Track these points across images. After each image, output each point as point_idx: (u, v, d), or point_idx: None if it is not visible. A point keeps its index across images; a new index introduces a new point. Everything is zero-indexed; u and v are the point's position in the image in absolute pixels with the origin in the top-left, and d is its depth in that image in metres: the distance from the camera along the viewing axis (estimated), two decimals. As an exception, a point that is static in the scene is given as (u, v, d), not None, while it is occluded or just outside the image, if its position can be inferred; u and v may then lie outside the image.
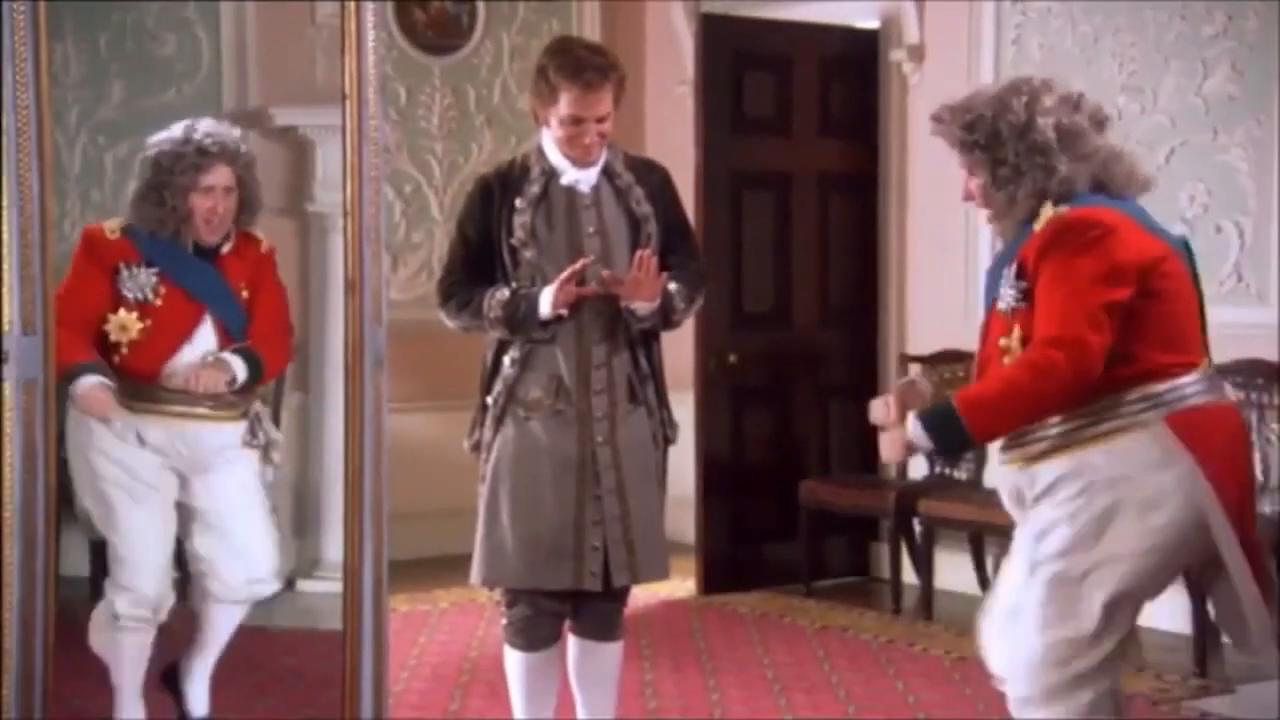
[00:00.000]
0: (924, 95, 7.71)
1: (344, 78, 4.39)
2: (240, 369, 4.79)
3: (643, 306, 4.53)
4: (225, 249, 4.87)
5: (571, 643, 4.73)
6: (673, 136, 8.13)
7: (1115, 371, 3.70)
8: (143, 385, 4.72)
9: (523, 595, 4.61)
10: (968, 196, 3.93)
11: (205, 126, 4.82)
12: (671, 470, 4.81)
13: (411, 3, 8.46)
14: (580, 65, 4.48)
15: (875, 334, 8.07)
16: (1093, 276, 3.67)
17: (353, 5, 4.37)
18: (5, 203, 4.07)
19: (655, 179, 4.70)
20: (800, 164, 7.93)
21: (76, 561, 5.11)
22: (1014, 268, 3.78)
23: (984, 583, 6.84)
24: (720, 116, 7.73)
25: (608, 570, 4.55)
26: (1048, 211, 3.76)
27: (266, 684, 5.42)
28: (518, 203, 4.57)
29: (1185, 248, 3.89)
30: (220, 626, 4.94)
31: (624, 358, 4.61)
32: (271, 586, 4.98)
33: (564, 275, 4.47)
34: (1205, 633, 5.95)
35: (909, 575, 7.29)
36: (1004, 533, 4.22)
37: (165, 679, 4.94)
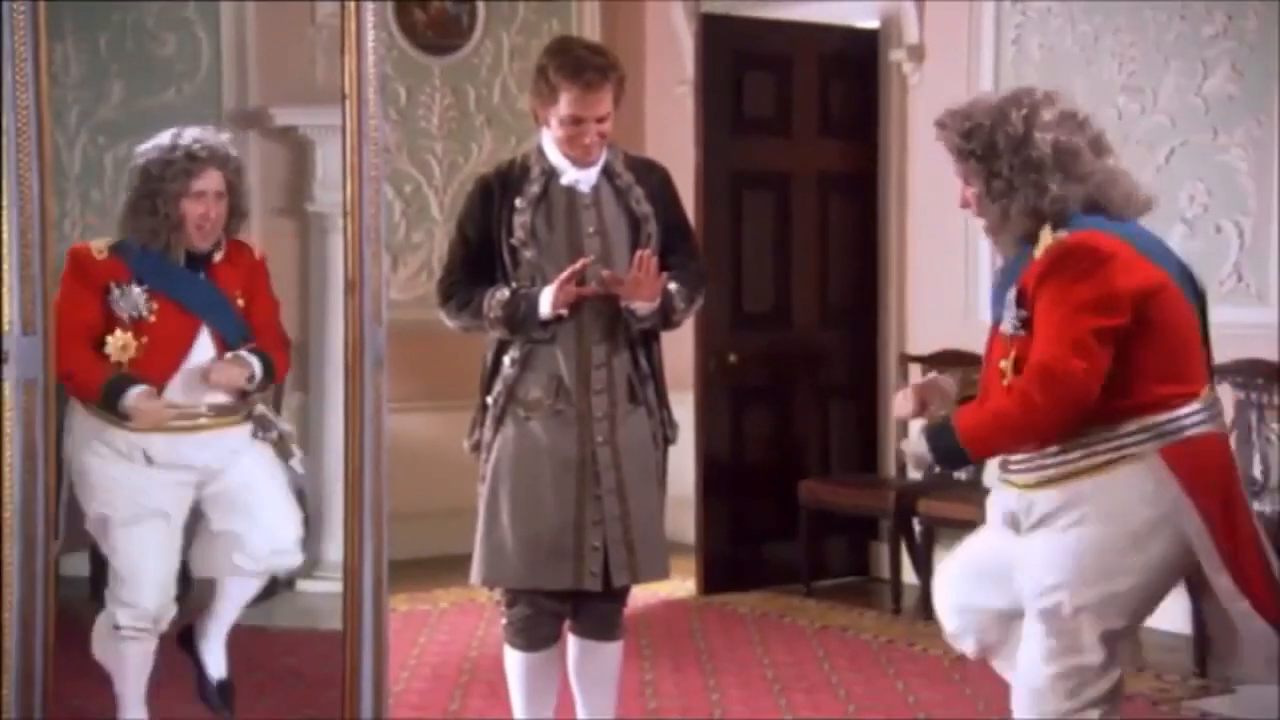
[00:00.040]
0: (924, 95, 7.71)
1: (344, 78, 4.39)
2: (257, 366, 4.80)
3: (643, 306, 4.53)
4: (217, 257, 4.85)
5: (571, 643, 4.73)
6: (673, 136, 8.13)
7: (1114, 403, 3.71)
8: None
9: (523, 595, 4.61)
10: (964, 204, 3.93)
11: (193, 133, 4.81)
12: (671, 470, 4.82)
13: (411, 3, 8.46)
14: (580, 65, 4.48)
15: (875, 334, 8.07)
16: (1086, 304, 3.67)
17: (353, 5, 4.37)
18: (5, 203, 4.07)
19: (655, 179, 4.71)
20: (800, 164, 7.93)
21: (76, 561, 5.10)
22: (1014, 293, 3.79)
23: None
24: (720, 116, 7.73)
25: (608, 570, 4.55)
26: (1047, 237, 3.75)
27: (266, 684, 5.41)
28: (518, 203, 4.57)
29: (1186, 274, 3.88)
30: (239, 596, 4.94)
31: (624, 358, 4.61)
32: (295, 558, 4.98)
33: (564, 275, 4.47)
34: (1205, 633, 5.95)
35: (909, 575, 7.30)
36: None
37: (182, 640, 4.94)
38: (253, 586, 4.95)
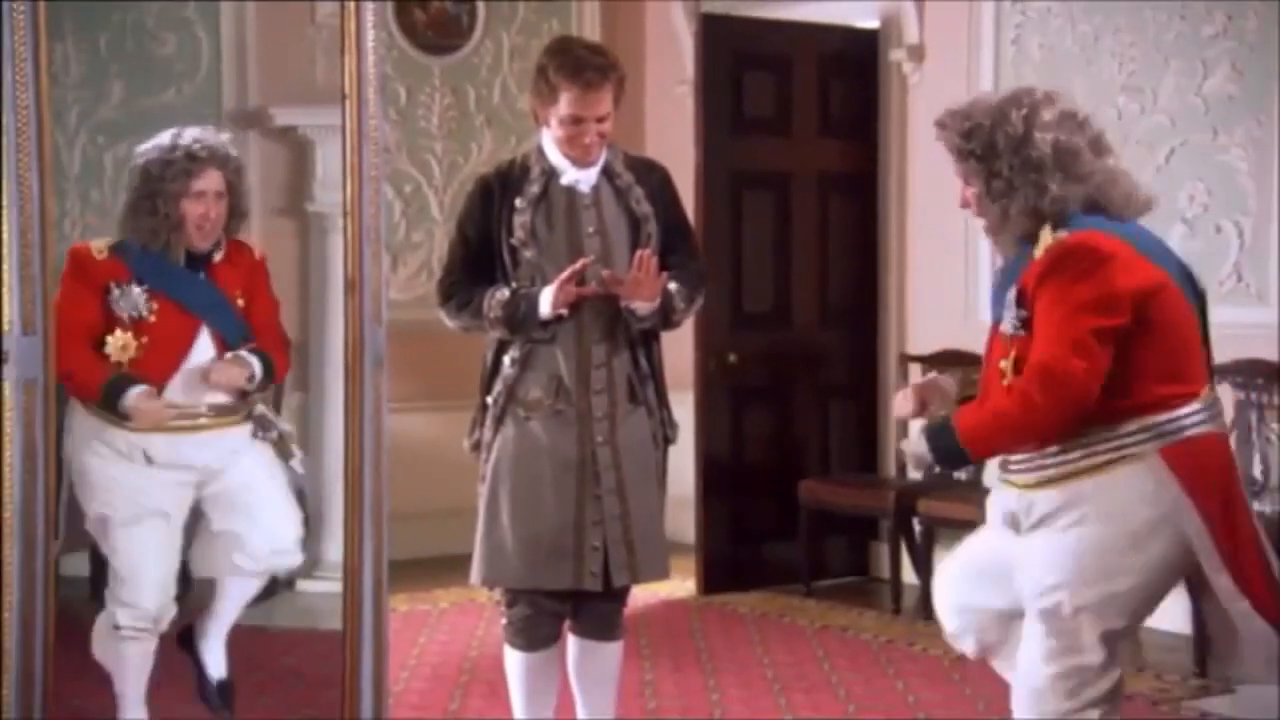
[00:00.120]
0: (924, 95, 7.71)
1: (344, 78, 4.39)
2: (257, 366, 4.80)
3: (643, 306, 4.53)
4: (217, 257, 4.85)
5: (571, 643, 4.73)
6: (673, 136, 8.13)
7: (1114, 403, 3.71)
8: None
9: (523, 595, 4.61)
10: (964, 204, 3.93)
11: (192, 133, 4.81)
12: (671, 470, 4.82)
13: (411, 3, 8.46)
14: (580, 65, 4.48)
15: (875, 334, 8.07)
16: (1085, 304, 3.67)
17: (353, 5, 4.37)
18: (5, 203, 4.07)
19: (655, 179, 4.70)
20: (800, 164, 7.93)
21: (76, 561, 5.10)
22: (1014, 293, 3.79)
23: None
24: (720, 116, 7.73)
25: (608, 570, 4.55)
26: (1046, 237, 3.75)
27: (266, 684, 5.41)
28: (518, 202, 4.57)
29: (1186, 274, 3.88)
30: (238, 596, 4.94)
31: (624, 358, 4.61)
32: (295, 558, 4.98)
33: (564, 275, 4.47)
34: (1205, 633, 5.95)
35: (909, 575, 7.30)
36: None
37: (182, 640, 4.94)
38: (253, 586, 4.96)
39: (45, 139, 4.13)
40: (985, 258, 7.22)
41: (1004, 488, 3.93)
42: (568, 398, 4.56)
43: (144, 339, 4.71)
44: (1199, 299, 3.89)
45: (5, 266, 4.07)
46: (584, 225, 4.59)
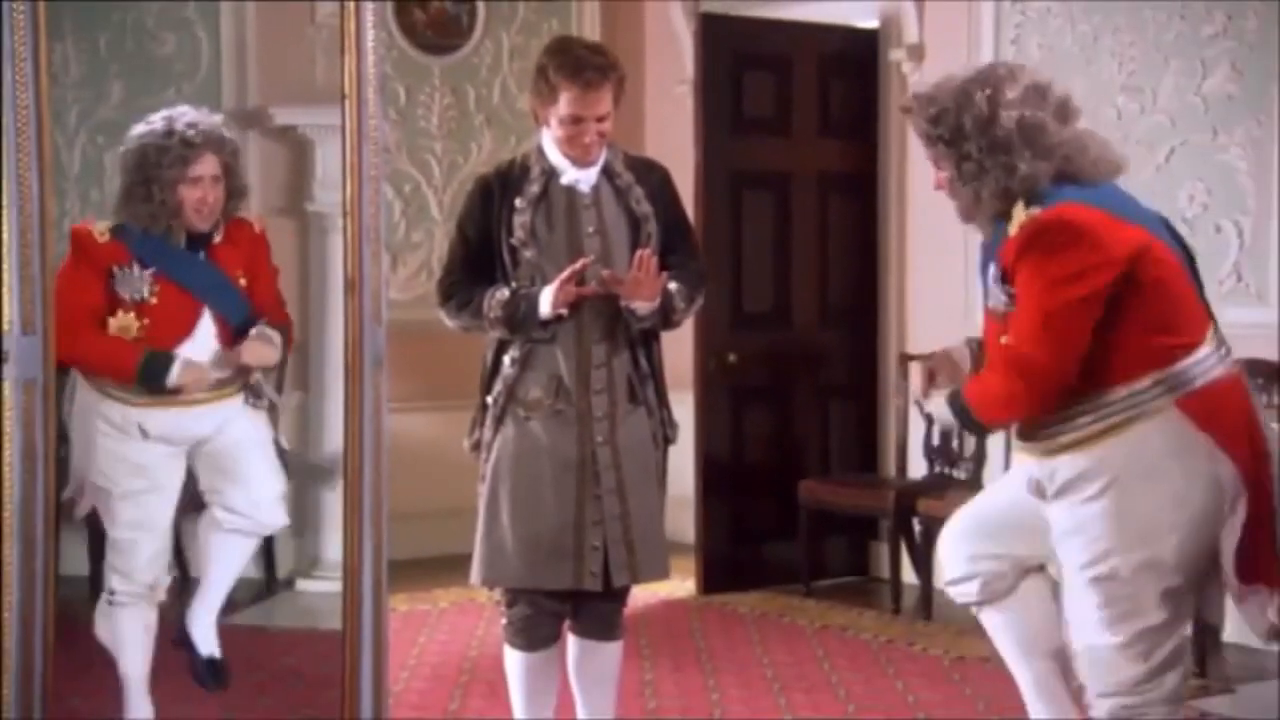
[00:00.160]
0: (924, 95, 7.71)
1: (344, 77, 4.39)
2: (279, 341, 4.83)
3: (643, 306, 4.53)
4: (217, 238, 4.86)
5: (571, 642, 4.73)
6: (672, 136, 8.13)
7: (1121, 364, 3.72)
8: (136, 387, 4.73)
9: (523, 595, 4.61)
10: (938, 187, 3.95)
11: (187, 117, 4.81)
12: (671, 470, 4.81)
13: (411, 3, 8.46)
14: (580, 65, 4.48)
15: (875, 334, 8.07)
16: (1062, 277, 3.69)
17: (352, 5, 4.37)
18: (5, 203, 4.06)
19: (655, 178, 4.70)
20: (800, 164, 7.93)
21: (76, 561, 5.11)
22: (995, 271, 3.81)
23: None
24: (720, 116, 7.73)
25: (608, 570, 4.55)
26: (1020, 214, 3.76)
27: (266, 684, 5.42)
28: (518, 202, 4.57)
29: (1167, 226, 3.90)
30: (224, 561, 4.93)
31: (624, 357, 4.61)
32: (276, 515, 4.96)
33: (564, 275, 4.47)
34: (1205, 633, 5.95)
35: (908, 575, 7.30)
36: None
37: (178, 640, 4.93)
38: (236, 549, 4.93)
39: (45, 139, 4.13)
40: (985, 258, 7.22)
41: (1023, 455, 3.93)
42: (568, 397, 4.56)
43: (145, 320, 4.72)
44: (1184, 249, 3.91)
45: (5, 266, 4.07)
46: (584, 225, 4.59)
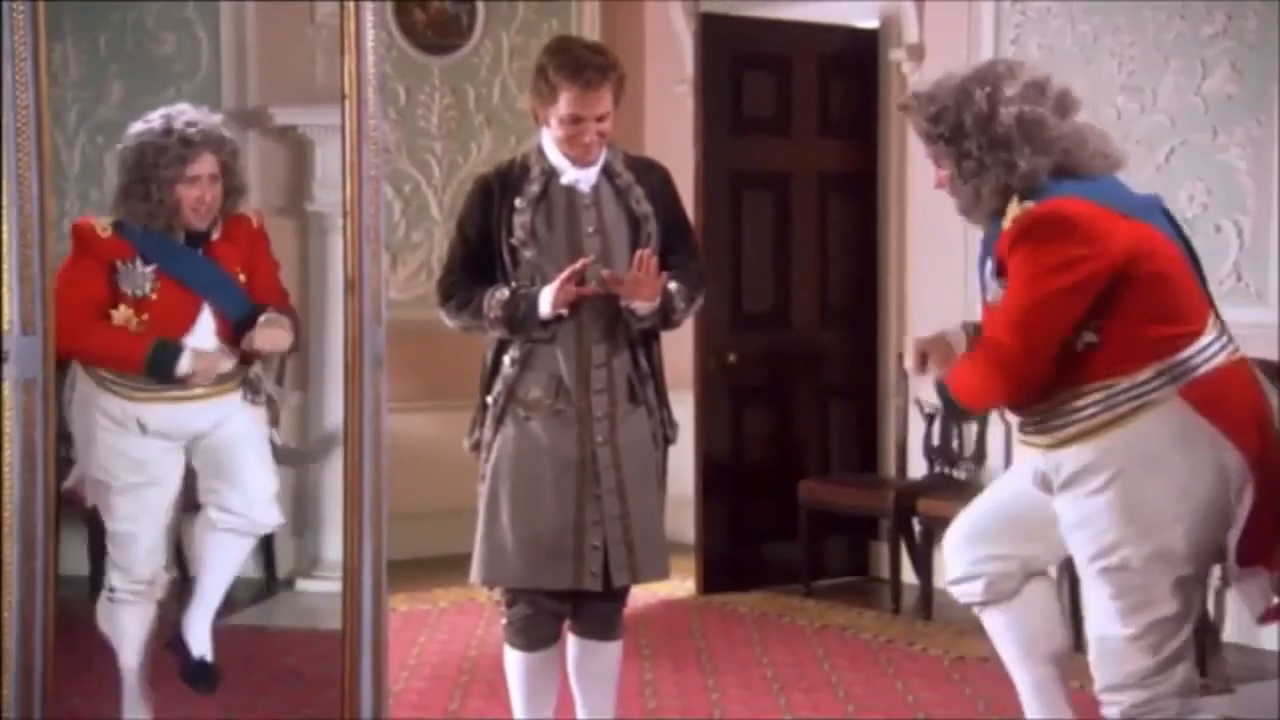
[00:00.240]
0: (924, 95, 7.71)
1: (343, 77, 4.39)
2: (289, 324, 4.85)
3: (643, 306, 4.53)
4: (215, 235, 4.86)
5: (571, 642, 4.73)
6: (672, 136, 8.13)
7: (1123, 355, 3.72)
8: (143, 378, 4.74)
9: (523, 595, 4.61)
10: (938, 185, 3.95)
11: (186, 115, 4.81)
12: (671, 470, 4.81)
13: (411, 2, 8.46)
14: (580, 64, 4.48)
15: (875, 334, 8.07)
16: (1050, 267, 3.71)
17: (352, 5, 4.37)
18: (5, 203, 4.07)
19: (655, 178, 4.70)
20: (800, 164, 7.93)
21: (76, 561, 5.11)
22: (991, 266, 3.82)
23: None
24: (720, 116, 7.73)
25: (608, 570, 4.55)
26: (1014, 209, 3.77)
27: (266, 684, 5.42)
28: (517, 202, 4.57)
29: (1166, 215, 3.90)
30: (220, 561, 4.91)
31: (624, 357, 4.61)
32: (271, 515, 4.95)
33: (564, 275, 4.47)
34: (1205, 632, 5.96)
35: (908, 575, 7.30)
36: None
37: (171, 644, 4.93)
38: (231, 549, 4.93)
39: (45, 139, 4.13)
40: (985, 258, 7.22)
41: (1028, 449, 3.94)
42: (568, 397, 4.56)
43: (144, 316, 4.73)
44: (1182, 236, 3.91)
45: (5, 266, 4.07)
46: (584, 225, 4.59)
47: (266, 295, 4.89)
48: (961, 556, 4.11)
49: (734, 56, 7.77)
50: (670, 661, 6.42)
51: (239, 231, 4.91)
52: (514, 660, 4.68)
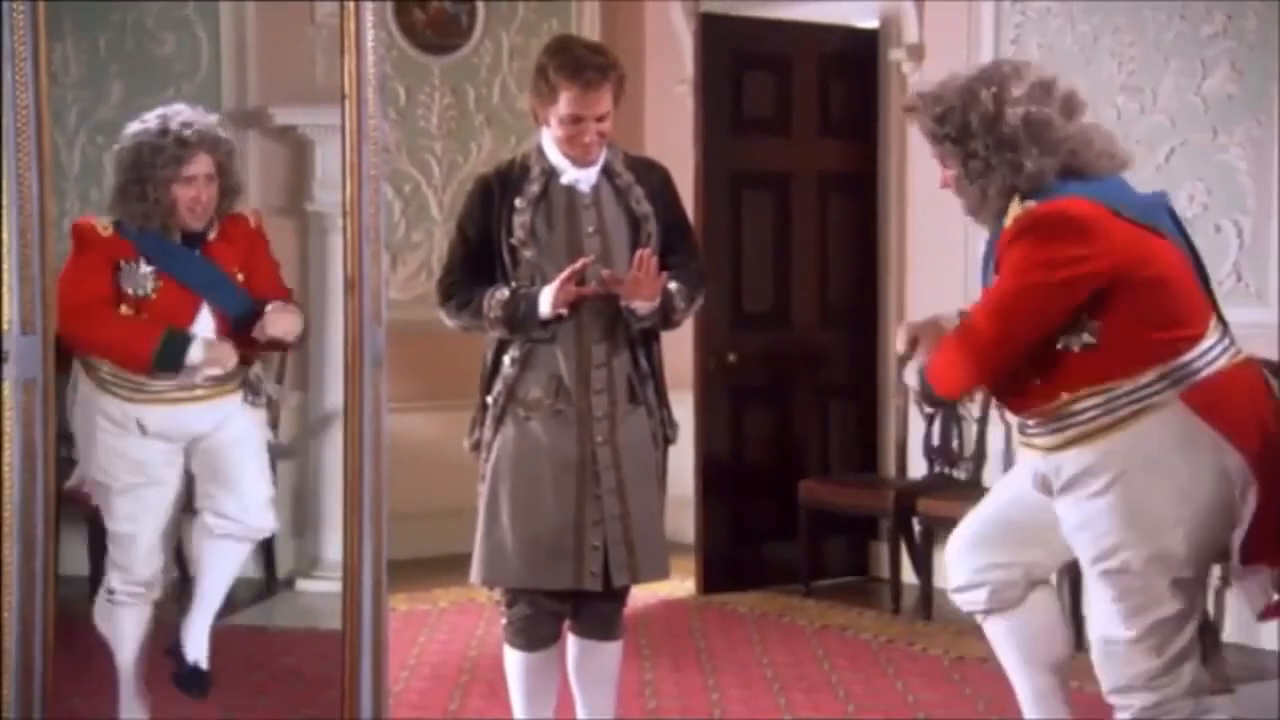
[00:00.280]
0: (924, 95, 7.71)
1: (343, 77, 4.39)
2: (298, 310, 4.85)
3: (643, 306, 4.53)
4: (211, 235, 4.86)
5: (571, 642, 4.73)
6: (672, 136, 8.13)
7: (1124, 359, 3.72)
8: (143, 377, 4.74)
9: (523, 595, 4.61)
10: (944, 185, 3.95)
11: (182, 116, 4.81)
12: (671, 470, 4.81)
13: (411, 2, 8.46)
14: (580, 64, 4.48)
15: (875, 334, 8.07)
16: (1037, 263, 3.71)
17: (352, 5, 4.37)
18: (5, 203, 4.07)
19: (655, 178, 4.70)
20: (800, 164, 7.93)
21: (76, 561, 5.11)
22: (994, 264, 3.82)
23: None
24: (720, 116, 7.73)
25: (608, 570, 4.55)
26: (1015, 208, 3.78)
27: (266, 684, 5.42)
28: (517, 202, 4.57)
29: (1166, 210, 3.89)
30: (217, 567, 4.91)
31: (624, 357, 4.61)
32: (266, 520, 4.95)
33: (564, 275, 4.47)
34: (1205, 632, 5.94)
35: (908, 575, 7.30)
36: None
37: (170, 650, 4.93)
38: (228, 553, 4.93)
39: (45, 139, 4.13)
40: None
41: (1028, 451, 3.93)
42: (568, 397, 4.56)
43: (144, 316, 4.73)
44: (1185, 236, 3.91)
45: (5, 266, 4.07)
46: (584, 225, 4.59)
47: (268, 293, 4.89)
48: (964, 564, 4.10)
49: (734, 56, 7.77)
50: (670, 661, 6.42)
51: (236, 231, 4.92)
52: (514, 660, 4.69)
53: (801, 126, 7.95)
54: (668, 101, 8.71)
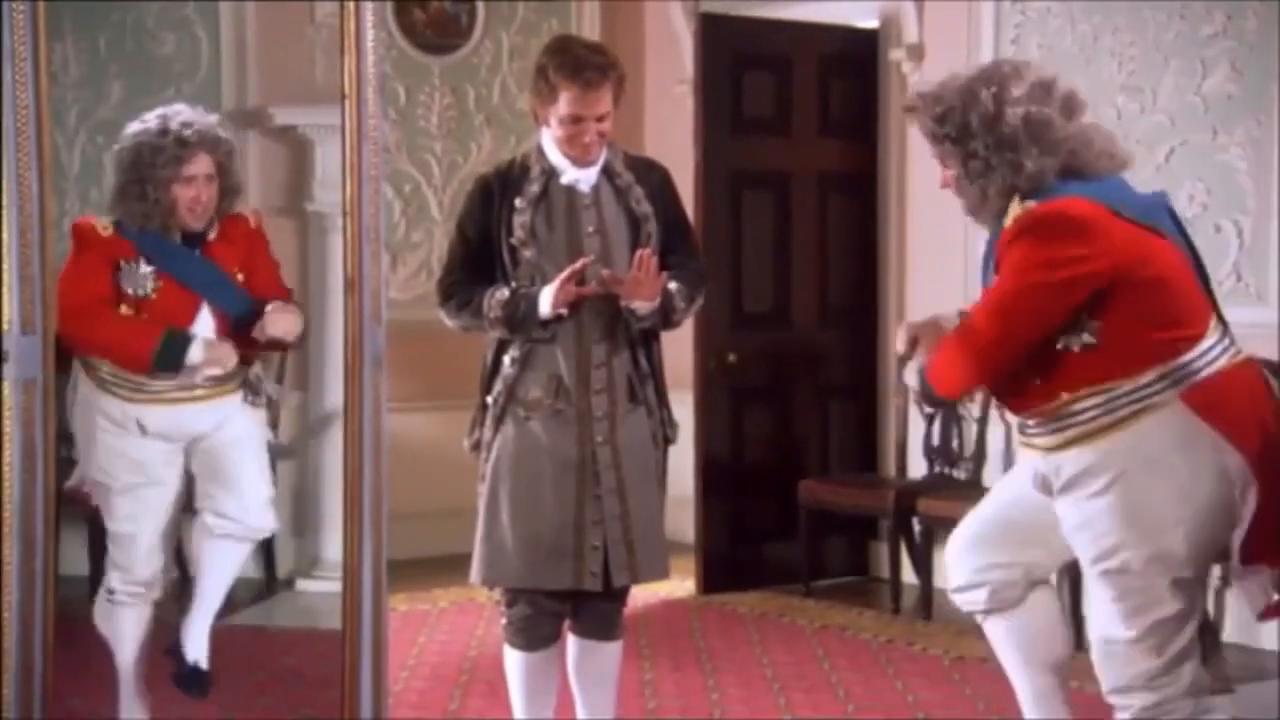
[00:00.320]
0: (923, 95, 7.71)
1: (343, 77, 4.39)
2: (298, 310, 4.85)
3: (643, 306, 4.53)
4: (211, 235, 4.86)
5: (571, 642, 4.73)
6: (672, 136, 8.13)
7: (1124, 359, 3.72)
8: (143, 377, 4.74)
9: (523, 595, 4.61)
10: (944, 185, 3.95)
11: (182, 116, 4.81)
12: (671, 470, 4.81)
13: (411, 2, 8.46)
14: (580, 64, 4.48)
15: (875, 334, 8.07)
16: (1037, 262, 3.71)
17: (352, 5, 4.37)
18: (5, 203, 4.07)
19: (655, 178, 4.70)
20: (800, 164, 7.93)
21: (76, 561, 5.11)
22: (994, 265, 3.82)
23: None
24: (720, 116, 7.73)
25: (608, 570, 4.55)
26: (1015, 208, 3.78)
27: (266, 684, 5.42)
28: (517, 202, 4.57)
29: (1166, 210, 3.89)
30: (217, 567, 4.91)
31: (624, 357, 4.61)
32: (266, 520, 4.95)
33: (564, 275, 4.47)
34: (1205, 632, 5.94)
35: (908, 575, 7.30)
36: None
37: (170, 650, 4.93)
38: (228, 554, 4.93)
39: (45, 139, 4.13)
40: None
41: (1028, 451, 3.93)
42: (568, 397, 4.56)
43: (144, 316, 4.73)
44: (1187, 238, 3.91)
45: (5, 266, 4.07)
46: (584, 225, 4.59)
47: (268, 293, 4.89)
48: (964, 564, 4.10)
49: (734, 56, 7.77)
50: (670, 661, 6.42)
51: (236, 231, 4.92)
52: (514, 660, 4.69)
53: (801, 126, 7.95)
54: (668, 101, 8.71)
